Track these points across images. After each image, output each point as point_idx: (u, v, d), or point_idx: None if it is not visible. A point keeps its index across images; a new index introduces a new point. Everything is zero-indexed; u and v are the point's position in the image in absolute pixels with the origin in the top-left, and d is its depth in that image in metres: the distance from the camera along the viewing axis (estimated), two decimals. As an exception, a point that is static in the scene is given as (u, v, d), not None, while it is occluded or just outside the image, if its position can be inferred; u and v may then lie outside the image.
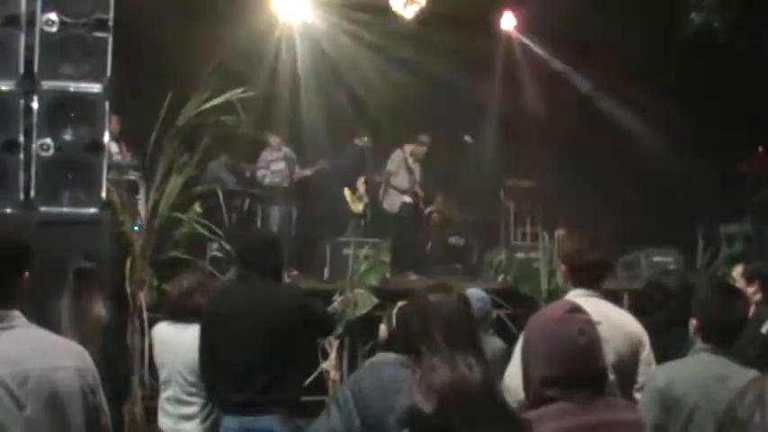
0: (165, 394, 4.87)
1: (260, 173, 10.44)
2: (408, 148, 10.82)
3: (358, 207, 10.72)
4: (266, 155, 10.49)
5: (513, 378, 2.92)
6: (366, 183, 10.73)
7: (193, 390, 4.77)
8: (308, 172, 10.55)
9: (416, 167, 10.89)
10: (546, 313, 2.72)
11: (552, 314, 2.66)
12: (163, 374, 4.88)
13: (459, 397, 2.50)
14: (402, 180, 10.77)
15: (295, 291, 5.12)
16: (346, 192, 10.67)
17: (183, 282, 5.03)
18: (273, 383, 4.51)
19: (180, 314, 4.88)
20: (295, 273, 9.57)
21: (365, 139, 10.72)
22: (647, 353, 3.76)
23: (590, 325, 2.60)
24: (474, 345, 2.71)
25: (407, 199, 10.80)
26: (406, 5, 10.78)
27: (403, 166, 10.77)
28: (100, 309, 5.02)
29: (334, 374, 7.77)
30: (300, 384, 4.99)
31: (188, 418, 4.78)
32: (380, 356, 3.63)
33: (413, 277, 10.37)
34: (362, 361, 7.47)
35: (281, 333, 4.54)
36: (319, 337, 6.99)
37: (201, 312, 4.81)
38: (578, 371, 2.55)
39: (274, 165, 10.41)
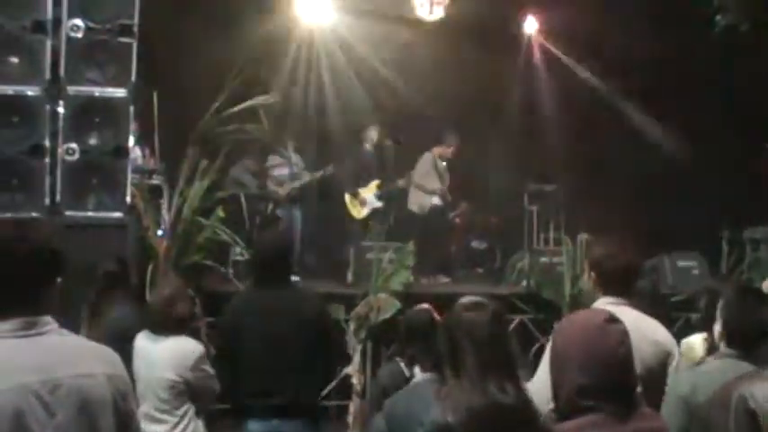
0: (141, 409, 4.47)
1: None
2: (437, 150, 10.81)
3: (360, 213, 10.60)
4: (270, 160, 10.42)
5: (540, 386, 2.88)
6: (379, 186, 10.66)
7: (166, 407, 4.58)
8: (307, 178, 10.41)
9: (445, 170, 10.88)
10: (582, 322, 2.69)
11: (590, 323, 2.63)
12: (139, 388, 4.55)
13: (489, 419, 2.44)
14: (431, 182, 10.76)
15: (315, 296, 5.16)
16: (347, 197, 10.57)
17: (164, 291, 4.83)
18: (301, 387, 4.52)
19: (162, 325, 4.66)
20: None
21: (373, 138, 10.64)
22: (675, 364, 3.67)
23: (627, 336, 2.61)
24: (509, 367, 2.61)
25: (437, 201, 10.79)
26: (430, 11, 10.76)
27: (432, 169, 10.75)
28: (121, 311, 5.04)
29: (356, 379, 7.76)
30: (321, 387, 5.00)
31: None
32: (418, 377, 3.63)
33: (444, 280, 10.36)
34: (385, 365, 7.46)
35: (307, 337, 4.55)
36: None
37: (224, 320, 4.76)
38: (615, 382, 2.55)
39: (276, 170, 10.36)
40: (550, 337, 2.81)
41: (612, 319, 2.63)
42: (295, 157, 10.40)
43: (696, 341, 4.70)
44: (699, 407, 3.19)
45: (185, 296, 4.82)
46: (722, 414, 2.48)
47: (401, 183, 10.77)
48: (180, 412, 4.61)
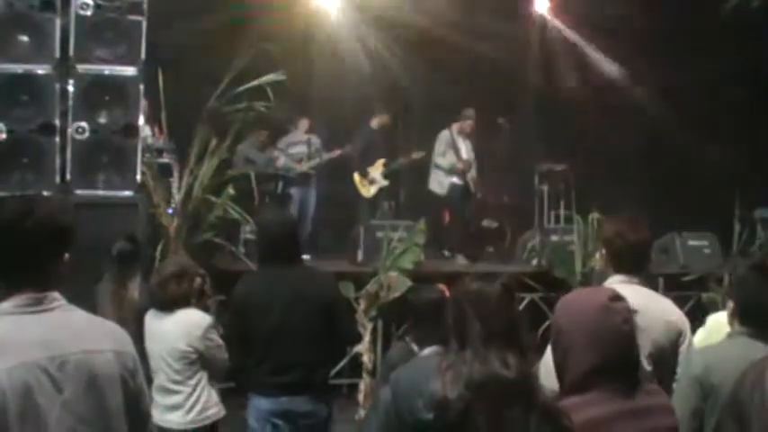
0: (154, 384, 4.72)
1: (274, 154, 10.39)
2: (456, 126, 10.63)
3: (369, 191, 10.58)
4: (287, 138, 10.46)
5: (550, 366, 2.87)
6: (384, 165, 10.63)
7: (179, 378, 4.69)
8: (325, 157, 10.43)
9: (465, 146, 10.70)
10: (585, 302, 2.67)
11: (594, 302, 2.62)
12: (151, 363, 4.74)
13: (488, 391, 2.42)
14: (450, 160, 10.59)
15: (325, 274, 5.10)
16: (355, 176, 10.56)
17: (162, 270, 4.90)
18: (310, 365, 4.53)
19: (162, 304, 4.76)
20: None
21: (383, 120, 10.65)
22: (687, 343, 3.62)
23: (631, 313, 2.61)
24: (513, 339, 2.56)
25: (456, 180, 10.64)
26: None
27: (450, 147, 10.58)
28: (135, 291, 5.06)
29: (367, 357, 7.77)
30: (331, 365, 4.99)
31: (173, 408, 4.68)
32: (426, 350, 3.62)
33: (462, 262, 10.30)
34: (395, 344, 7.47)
35: (316, 315, 4.54)
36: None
37: (233, 299, 4.73)
38: (620, 360, 2.56)
39: (294, 148, 10.36)
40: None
41: (616, 297, 2.63)
42: (313, 137, 10.41)
43: (724, 318, 4.64)
44: (713, 387, 3.15)
45: (185, 275, 4.82)
46: (758, 394, 2.44)
47: (403, 161, 10.75)
48: (193, 382, 4.71)
